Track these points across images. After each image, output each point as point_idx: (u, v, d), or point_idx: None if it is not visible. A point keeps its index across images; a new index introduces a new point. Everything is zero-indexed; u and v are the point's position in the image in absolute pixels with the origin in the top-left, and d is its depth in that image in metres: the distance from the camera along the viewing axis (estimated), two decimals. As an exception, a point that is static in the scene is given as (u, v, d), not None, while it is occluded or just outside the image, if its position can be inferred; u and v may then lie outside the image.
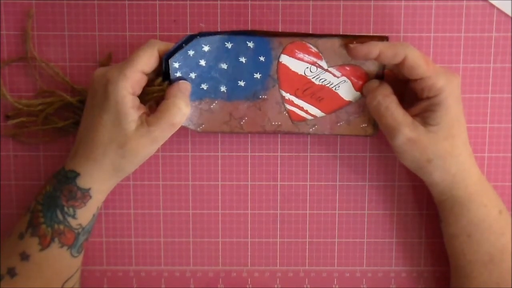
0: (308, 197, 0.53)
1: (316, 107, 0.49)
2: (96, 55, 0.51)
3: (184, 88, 0.46)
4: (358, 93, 0.49)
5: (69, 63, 0.51)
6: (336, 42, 0.47)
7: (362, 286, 0.54)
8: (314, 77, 0.48)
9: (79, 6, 0.51)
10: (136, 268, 0.54)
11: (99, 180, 0.46)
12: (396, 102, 0.46)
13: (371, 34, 0.49)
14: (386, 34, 0.46)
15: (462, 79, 0.51)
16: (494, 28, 0.51)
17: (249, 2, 0.51)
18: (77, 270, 0.48)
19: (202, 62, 0.47)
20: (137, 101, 0.46)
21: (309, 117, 0.49)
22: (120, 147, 0.45)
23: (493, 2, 0.51)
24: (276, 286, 0.54)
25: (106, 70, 0.45)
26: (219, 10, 0.51)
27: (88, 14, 0.51)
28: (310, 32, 0.51)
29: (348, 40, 0.46)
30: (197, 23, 0.51)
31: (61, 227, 0.46)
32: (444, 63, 0.51)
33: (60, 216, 0.45)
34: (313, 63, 0.47)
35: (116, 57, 0.51)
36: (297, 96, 0.49)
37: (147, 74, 0.46)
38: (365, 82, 0.48)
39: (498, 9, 0.51)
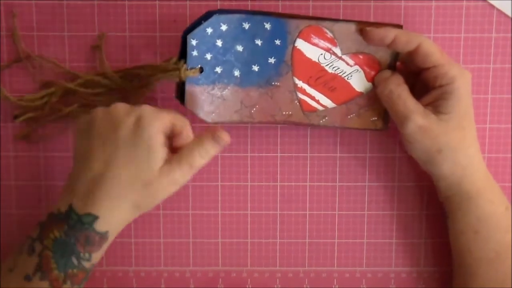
0: (308, 198, 0.53)
1: (327, 97, 0.49)
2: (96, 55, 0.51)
3: (218, 138, 0.45)
4: (369, 84, 0.49)
5: (69, 63, 0.51)
6: (352, 27, 0.47)
7: (362, 287, 0.54)
8: (327, 65, 0.48)
9: (79, 6, 0.51)
10: (136, 268, 0.54)
11: (117, 221, 0.44)
12: (407, 91, 0.46)
13: (386, 22, 0.49)
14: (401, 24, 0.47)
15: (462, 79, 0.52)
16: (494, 29, 0.51)
17: (249, 3, 0.51)
18: None
19: (219, 43, 0.46)
20: (165, 140, 0.44)
21: (320, 107, 0.49)
22: (144, 184, 0.43)
23: (493, 3, 0.51)
24: (276, 286, 0.54)
25: (128, 107, 0.44)
26: (219, 11, 0.51)
27: (88, 14, 0.51)
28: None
29: (364, 25, 0.47)
30: (197, 23, 0.51)
31: (75, 271, 0.43)
32: (444, 63, 0.51)
33: (75, 262, 0.43)
34: (328, 50, 0.47)
35: (117, 57, 0.51)
36: (309, 85, 0.49)
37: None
38: (377, 72, 0.48)
39: (498, 9, 0.51)
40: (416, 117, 0.45)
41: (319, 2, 0.51)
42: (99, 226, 0.43)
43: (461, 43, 0.51)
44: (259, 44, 0.47)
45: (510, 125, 0.52)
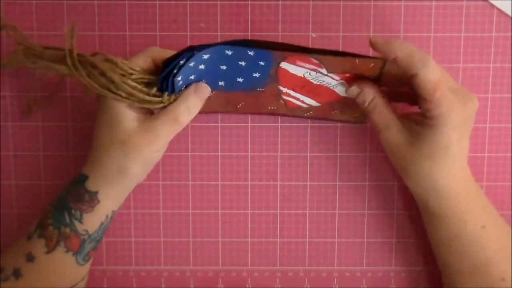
0: (308, 197, 0.53)
1: (312, 99, 0.49)
2: (96, 55, 0.51)
3: (199, 91, 0.46)
4: None
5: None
6: (339, 57, 0.45)
7: (361, 286, 0.54)
8: (313, 79, 0.48)
9: (79, 6, 0.51)
10: (136, 268, 0.54)
11: (106, 183, 0.46)
12: (382, 102, 0.46)
13: (373, 56, 0.46)
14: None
15: (462, 79, 0.51)
16: (494, 28, 0.51)
17: (249, 2, 0.51)
18: (82, 278, 0.48)
19: (202, 67, 0.46)
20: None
21: (304, 105, 0.50)
22: (122, 144, 0.44)
23: (493, 2, 0.51)
24: (276, 286, 0.54)
25: None
26: (219, 10, 0.51)
27: (88, 14, 0.51)
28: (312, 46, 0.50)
29: (349, 59, 0.44)
30: (197, 23, 0.51)
31: (67, 230, 0.45)
32: (444, 63, 0.51)
33: (67, 219, 0.45)
34: (314, 70, 0.47)
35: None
36: (294, 91, 0.49)
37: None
38: None
39: (498, 9, 0.51)
40: (385, 132, 0.45)
41: (319, 2, 0.51)
42: (89, 185, 0.46)
43: (461, 43, 0.51)
44: (243, 64, 0.46)
45: (510, 125, 0.52)
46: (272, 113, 0.51)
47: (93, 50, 0.51)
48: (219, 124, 0.53)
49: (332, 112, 0.50)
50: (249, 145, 0.53)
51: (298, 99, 0.49)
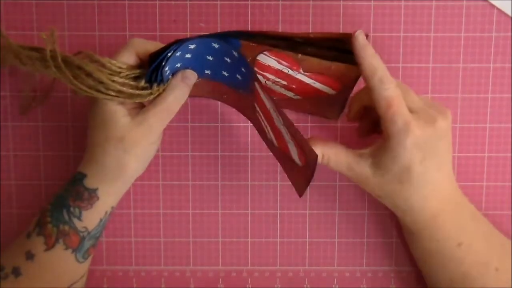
0: (308, 197, 0.53)
1: (273, 135, 0.48)
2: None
3: (186, 77, 0.46)
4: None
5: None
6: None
7: (362, 286, 0.54)
8: (275, 120, 0.46)
9: (79, 6, 0.51)
10: (136, 268, 0.54)
11: (105, 181, 0.46)
12: (334, 156, 0.46)
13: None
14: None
15: (462, 79, 0.51)
16: (494, 28, 0.51)
17: (249, 2, 0.51)
18: (82, 276, 0.48)
19: (188, 56, 0.46)
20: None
21: (268, 135, 0.48)
22: (119, 141, 0.45)
23: (493, 2, 0.51)
24: (276, 286, 0.54)
25: None
26: (219, 10, 0.51)
27: (88, 14, 0.51)
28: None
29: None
30: (197, 23, 0.51)
31: (66, 228, 0.45)
32: (444, 63, 0.51)
33: (66, 216, 0.46)
34: (277, 113, 0.45)
35: (116, 57, 0.51)
36: (264, 116, 0.47)
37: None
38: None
39: (498, 9, 0.51)
40: (350, 173, 0.46)
41: (319, 2, 0.51)
42: (88, 183, 0.46)
43: (461, 43, 0.51)
44: (228, 61, 0.46)
45: (510, 125, 0.52)
46: (249, 119, 0.50)
47: (93, 50, 0.51)
48: (219, 124, 0.53)
49: (283, 166, 0.49)
50: (249, 145, 0.53)
51: (266, 126, 0.47)
